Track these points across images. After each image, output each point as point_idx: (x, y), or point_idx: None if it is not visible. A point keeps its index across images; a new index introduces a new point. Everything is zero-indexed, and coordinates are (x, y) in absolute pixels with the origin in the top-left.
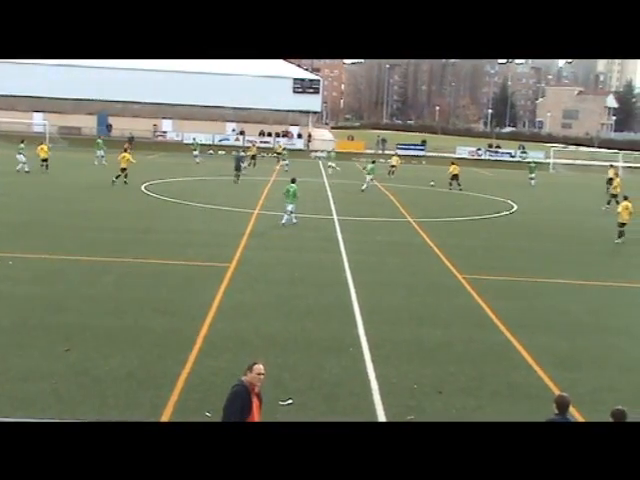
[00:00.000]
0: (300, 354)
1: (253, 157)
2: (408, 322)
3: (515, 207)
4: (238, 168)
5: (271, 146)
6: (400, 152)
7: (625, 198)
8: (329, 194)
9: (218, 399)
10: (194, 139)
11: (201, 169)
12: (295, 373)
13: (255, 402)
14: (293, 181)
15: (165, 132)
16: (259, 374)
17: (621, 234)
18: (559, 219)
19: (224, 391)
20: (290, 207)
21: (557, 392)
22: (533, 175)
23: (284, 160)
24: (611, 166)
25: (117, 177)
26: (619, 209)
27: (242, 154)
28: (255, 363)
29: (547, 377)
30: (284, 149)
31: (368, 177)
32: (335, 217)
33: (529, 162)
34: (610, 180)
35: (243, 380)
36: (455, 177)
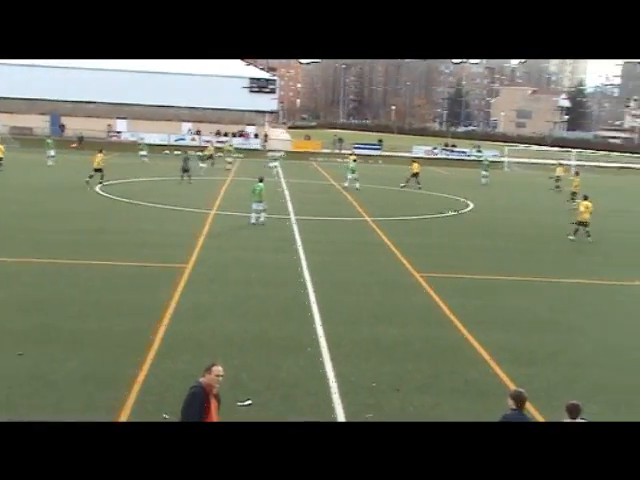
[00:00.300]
0: (258, 354)
1: (210, 157)
2: (366, 321)
3: (471, 205)
4: (186, 169)
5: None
6: (357, 151)
7: (585, 198)
8: (286, 193)
9: (176, 401)
10: (142, 139)
11: (157, 169)
12: (253, 374)
13: (213, 403)
14: (261, 180)
15: (119, 132)
16: (217, 375)
17: (577, 232)
18: (514, 217)
19: (182, 393)
20: (255, 206)
21: (513, 386)
22: (486, 173)
23: (228, 159)
24: (560, 164)
25: (91, 177)
26: (580, 208)
27: (190, 155)
28: (213, 364)
29: (503, 373)
30: (231, 146)
31: (350, 175)
32: (293, 217)
33: (482, 160)
34: (558, 178)
35: (201, 381)
36: (415, 175)
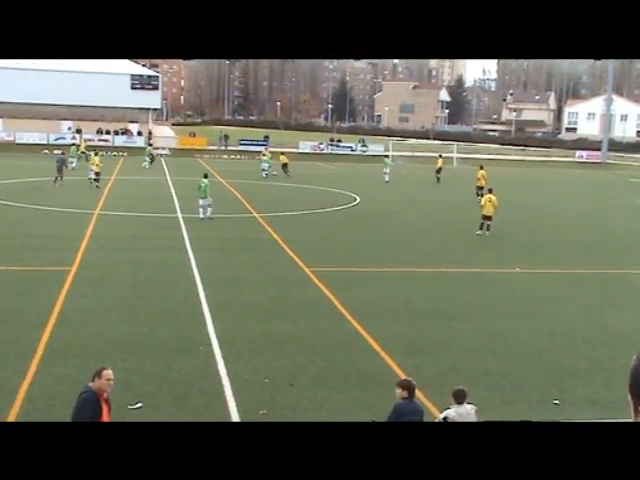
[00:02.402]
0: (148, 356)
1: (84, 153)
2: (258, 317)
3: (358, 199)
4: (60, 170)
5: (110, 144)
6: (242, 148)
7: (490, 191)
8: (172, 191)
9: (65, 408)
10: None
11: (36, 170)
12: (144, 376)
13: (105, 408)
14: (205, 176)
15: None
16: (108, 380)
17: (482, 225)
18: (399, 210)
19: (71, 400)
20: (202, 202)
21: (404, 376)
22: (387, 170)
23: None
24: (440, 156)
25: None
26: (482, 202)
27: (65, 155)
28: (103, 368)
29: (394, 363)
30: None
31: (265, 164)
32: (180, 215)
33: (386, 157)
34: (439, 170)
35: (91, 386)
36: (285, 166)
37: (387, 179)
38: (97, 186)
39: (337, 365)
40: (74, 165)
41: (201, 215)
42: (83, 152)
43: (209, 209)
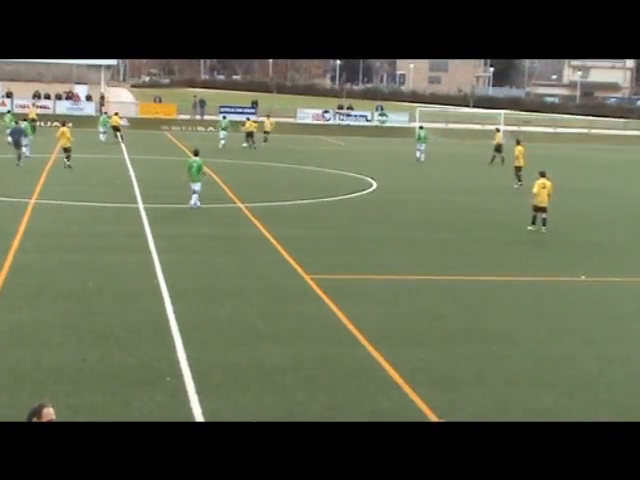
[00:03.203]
0: (101, 389)
1: (33, 121)
2: (243, 339)
3: (374, 185)
4: (18, 145)
5: (50, 112)
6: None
7: (542, 175)
8: (131, 174)
9: None
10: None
11: None
12: (94, 415)
13: None
14: (196, 153)
15: None
16: (49, 421)
17: (535, 220)
18: (428, 199)
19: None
20: (196, 186)
21: (434, 418)
22: (422, 146)
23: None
24: (497, 130)
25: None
26: (534, 189)
27: (24, 126)
28: (43, 406)
29: (420, 400)
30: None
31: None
32: (141, 205)
33: (420, 127)
34: (499, 147)
35: None
36: (250, 135)
37: (419, 156)
38: (69, 165)
39: (346, 403)
40: (9, 140)
41: (192, 201)
42: (33, 120)
43: (194, 196)
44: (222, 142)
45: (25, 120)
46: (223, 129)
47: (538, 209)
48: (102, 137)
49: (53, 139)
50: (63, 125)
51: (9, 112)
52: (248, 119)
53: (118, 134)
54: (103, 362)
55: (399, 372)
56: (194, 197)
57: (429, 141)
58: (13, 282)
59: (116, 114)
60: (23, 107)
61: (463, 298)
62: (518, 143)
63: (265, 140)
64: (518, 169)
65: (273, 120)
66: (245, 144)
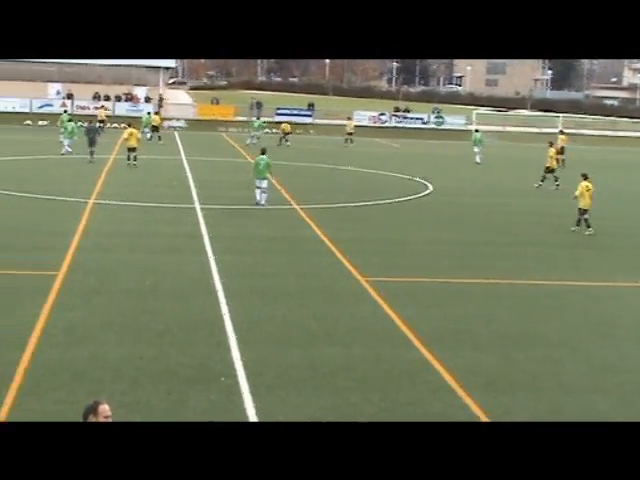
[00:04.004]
0: (155, 388)
1: (102, 122)
2: (297, 340)
3: (430, 188)
4: (93, 142)
5: (109, 113)
6: (281, 118)
7: (585, 178)
8: (188, 175)
9: None
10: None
11: (15, 146)
12: (150, 414)
13: None
14: (263, 152)
15: None
16: (106, 417)
17: (580, 222)
18: (483, 202)
19: None
20: (259, 183)
21: (487, 421)
22: (477, 149)
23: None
24: (561, 132)
25: (131, 158)
26: (577, 192)
27: (98, 125)
28: (98, 403)
29: (474, 403)
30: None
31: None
32: (197, 205)
33: (475, 130)
34: (562, 150)
35: None
36: (286, 134)
37: (478, 160)
38: (135, 165)
39: (400, 405)
40: (69, 143)
41: (257, 198)
42: (102, 121)
43: (264, 195)
44: (251, 141)
45: (100, 121)
46: (257, 129)
47: (583, 211)
48: (147, 135)
49: (114, 140)
50: (129, 126)
51: (65, 112)
52: (287, 122)
53: (155, 134)
54: (159, 361)
55: (453, 375)
56: (263, 195)
57: (484, 144)
58: (72, 281)
59: (157, 113)
60: (83, 108)
61: (517, 302)
62: (551, 145)
63: (350, 142)
64: (551, 170)
65: (353, 123)
66: (287, 143)
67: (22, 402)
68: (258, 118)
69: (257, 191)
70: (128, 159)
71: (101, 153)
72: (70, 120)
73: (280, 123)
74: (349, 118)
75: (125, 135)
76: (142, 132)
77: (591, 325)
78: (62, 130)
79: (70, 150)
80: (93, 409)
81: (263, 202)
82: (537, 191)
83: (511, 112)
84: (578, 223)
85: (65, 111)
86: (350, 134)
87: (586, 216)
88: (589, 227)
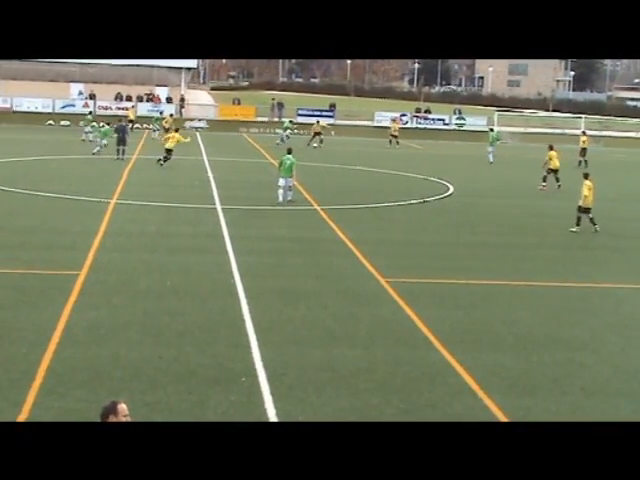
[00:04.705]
0: (176, 388)
1: (131, 122)
2: (317, 341)
3: (451, 189)
4: (123, 141)
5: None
6: (301, 120)
7: (585, 177)
8: (210, 175)
9: None
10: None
11: (38, 146)
12: (169, 413)
13: None
14: (289, 152)
15: None
16: (125, 416)
17: (580, 220)
18: (504, 204)
19: None
20: (283, 181)
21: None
22: (491, 149)
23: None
24: (583, 133)
25: (164, 159)
26: (584, 191)
27: (127, 124)
28: (117, 403)
29: (495, 406)
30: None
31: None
32: (219, 206)
33: (490, 129)
34: (584, 151)
35: None
36: (317, 134)
37: (491, 159)
38: (161, 164)
39: (420, 407)
40: (101, 142)
41: (280, 198)
42: (132, 121)
43: (290, 192)
44: (281, 140)
45: (130, 121)
46: (285, 129)
47: (584, 210)
48: (155, 134)
49: (136, 140)
50: (176, 131)
51: (90, 113)
52: (318, 122)
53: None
54: (179, 361)
55: (474, 377)
56: (288, 192)
57: (499, 144)
58: (93, 279)
59: (171, 115)
60: (105, 109)
61: (539, 304)
62: (551, 148)
63: (395, 143)
64: (552, 171)
65: (398, 125)
66: (315, 144)
67: (43, 400)
68: (291, 122)
69: (280, 191)
70: (164, 160)
71: (127, 152)
72: (94, 121)
73: (312, 124)
74: (394, 120)
75: (172, 139)
76: (154, 130)
77: (614, 328)
78: (88, 130)
79: (100, 148)
80: (113, 409)
81: (290, 198)
82: (558, 193)
83: (527, 111)
84: (578, 222)
85: (90, 112)
86: (395, 136)
87: (590, 215)
88: (595, 224)
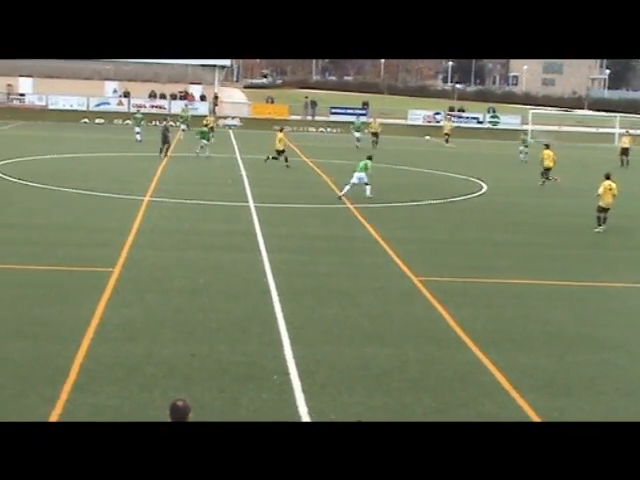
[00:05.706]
0: (208, 385)
1: (211, 130)
2: (349, 340)
3: (484, 188)
4: (166, 140)
5: (165, 111)
6: (334, 118)
7: (607, 177)
8: (243, 173)
9: None
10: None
11: (73, 144)
12: (202, 410)
13: None
14: (369, 158)
15: (23, 95)
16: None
17: (600, 220)
18: (538, 203)
19: None
20: (363, 179)
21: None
22: (522, 148)
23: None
24: (627, 132)
25: (274, 158)
26: (600, 190)
27: (170, 123)
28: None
29: (528, 405)
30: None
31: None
32: (252, 204)
33: (525, 132)
34: (626, 150)
35: None
36: (375, 134)
37: (523, 157)
38: (287, 165)
39: (452, 406)
40: (203, 143)
41: (368, 193)
42: (212, 129)
43: (368, 187)
44: (358, 143)
45: (206, 126)
46: (357, 130)
47: (602, 210)
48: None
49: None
50: (281, 131)
51: (138, 111)
52: (375, 121)
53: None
54: (212, 358)
55: (507, 377)
56: (367, 187)
57: (535, 143)
58: (127, 277)
59: (213, 113)
60: (139, 107)
61: (573, 303)
62: (547, 147)
63: (446, 142)
64: (547, 170)
65: (452, 124)
66: (358, 143)
67: (77, 397)
68: (358, 118)
69: (346, 186)
70: (272, 159)
71: (152, 151)
72: (143, 119)
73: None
74: (450, 119)
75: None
76: (181, 127)
77: None
78: (137, 130)
79: (202, 148)
80: (185, 412)
81: (368, 193)
82: (591, 192)
83: (557, 110)
84: (599, 223)
85: (138, 110)
86: (447, 135)
87: (606, 215)
88: (601, 225)
